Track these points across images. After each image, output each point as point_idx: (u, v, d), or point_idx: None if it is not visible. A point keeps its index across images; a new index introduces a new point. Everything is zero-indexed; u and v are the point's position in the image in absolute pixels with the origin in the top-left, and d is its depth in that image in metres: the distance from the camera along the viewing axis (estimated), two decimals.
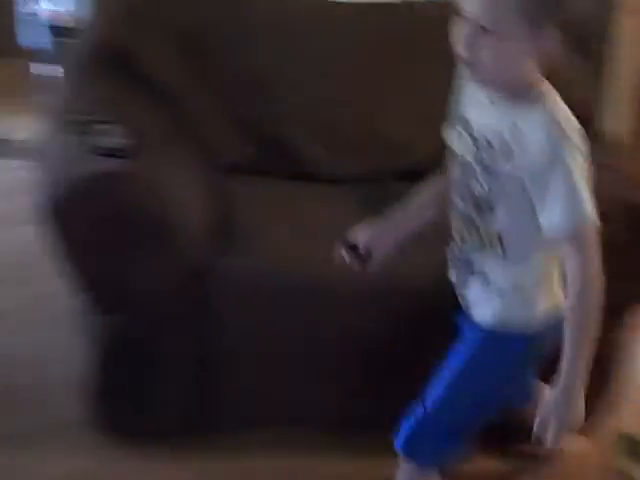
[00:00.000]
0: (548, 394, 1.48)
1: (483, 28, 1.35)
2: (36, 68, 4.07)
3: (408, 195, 1.68)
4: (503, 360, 1.57)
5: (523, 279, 1.51)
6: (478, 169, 1.48)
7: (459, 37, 1.38)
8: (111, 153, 1.77)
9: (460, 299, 1.61)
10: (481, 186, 1.48)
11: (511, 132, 1.41)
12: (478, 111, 1.49)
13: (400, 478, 1.64)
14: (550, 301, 1.52)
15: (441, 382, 1.57)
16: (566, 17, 1.37)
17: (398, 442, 1.58)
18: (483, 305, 1.55)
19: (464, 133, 1.52)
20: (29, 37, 4.08)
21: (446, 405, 1.56)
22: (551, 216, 1.39)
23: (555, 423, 1.43)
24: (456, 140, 1.54)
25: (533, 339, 1.54)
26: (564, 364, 1.41)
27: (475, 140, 1.49)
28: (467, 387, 1.56)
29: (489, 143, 1.45)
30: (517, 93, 1.42)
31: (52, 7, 4.01)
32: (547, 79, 1.44)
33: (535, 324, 1.52)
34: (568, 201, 1.37)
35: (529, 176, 1.41)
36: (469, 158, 1.50)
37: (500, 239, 1.49)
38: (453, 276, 1.62)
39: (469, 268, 1.55)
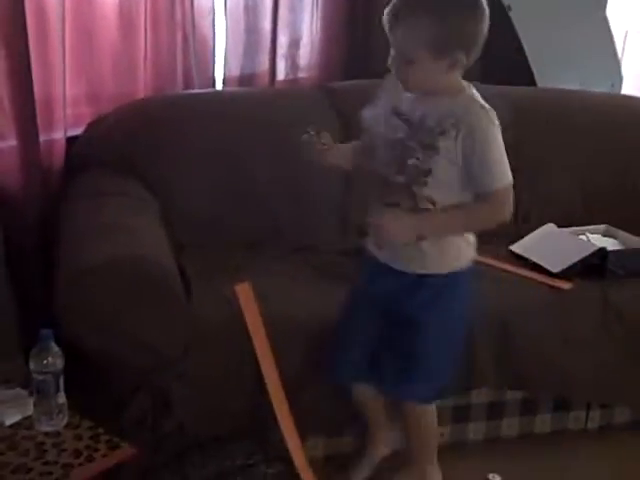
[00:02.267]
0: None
1: (404, 57, 1.85)
2: None
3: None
4: (460, 297, 2.07)
5: None
6: (417, 147, 1.92)
7: (391, 62, 1.89)
8: None
9: (397, 263, 2.02)
10: (418, 159, 1.92)
11: (446, 114, 1.87)
12: (411, 102, 1.94)
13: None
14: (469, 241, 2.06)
15: (428, 334, 2.00)
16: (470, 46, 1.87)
17: (409, 395, 2.05)
18: (426, 258, 1.99)
19: (395, 119, 1.96)
20: None
21: (439, 351, 2.03)
22: (482, 177, 1.89)
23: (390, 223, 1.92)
24: (383, 124, 1.98)
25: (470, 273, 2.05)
26: (446, 211, 1.93)
27: (410, 124, 1.94)
28: (448, 330, 2.05)
29: (426, 125, 1.90)
30: (442, 92, 1.91)
31: None
32: None
33: (466, 263, 2.04)
34: (495, 165, 1.89)
35: (461, 147, 1.86)
36: (402, 137, 1.94)
37: (432, 201, 1.93)
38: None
39: None
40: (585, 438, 2.63)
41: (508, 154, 2.81)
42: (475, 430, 2.52)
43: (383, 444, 2.33)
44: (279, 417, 2.16)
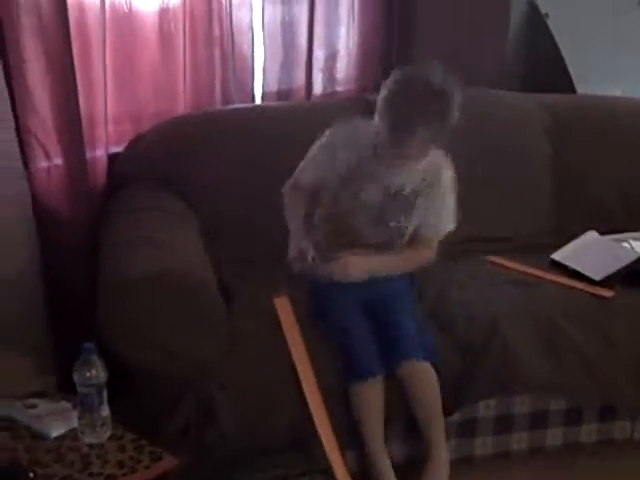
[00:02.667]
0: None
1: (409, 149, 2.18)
2: None
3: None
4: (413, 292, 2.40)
5: None
6: (397, 210, 2.29)
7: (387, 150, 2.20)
8: None
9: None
10: (399, 222, 2.31)
11: (422, 177, 2.27)
12: (386, 169, 2.24)
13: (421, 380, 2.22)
14: None
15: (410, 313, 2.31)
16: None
17: (416, 354, 2.21)
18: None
19: (372, 185, 2.26)
20: None
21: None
22: (445, 223, 2.33)
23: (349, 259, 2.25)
24: (369, 194, 2.27)
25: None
26: (386, 257, 2.30)
27: (389, 189, 2.27)
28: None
29: (405, 190, 2.27)
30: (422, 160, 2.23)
31: None
32: None
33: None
34: (450, 212, 2.35)
35: (431, 200, 2.28)
36: (380, 202, 2.27)
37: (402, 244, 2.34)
38: None
39: None
40: (631, 448, 2.60)
41: (549, 164, 2.84)
42: (518, 440, 2.50)
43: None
44: (319, 429, 2.16)
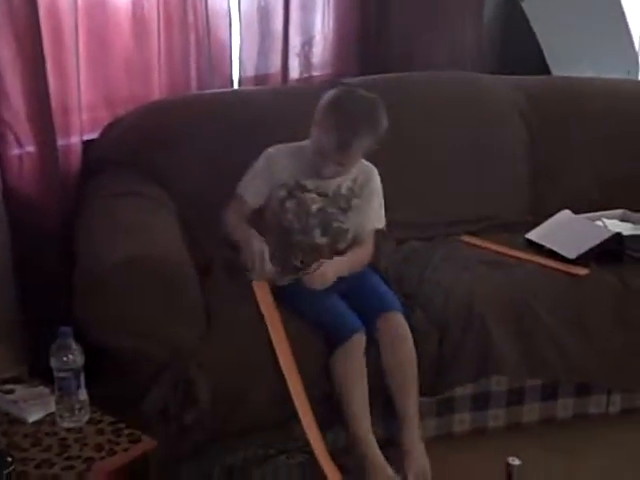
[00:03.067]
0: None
1: (343, 162, 2.40)
2: None
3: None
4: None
5: None
6: (337, 212, 2.47)
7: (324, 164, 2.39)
8: None
9: None
10: (341, 222, 2.48)
11: (354, 181, 2.49)
12: (327, 181, 2.44)
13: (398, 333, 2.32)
14: None
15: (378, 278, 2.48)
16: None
17: (393, 306, 2.35)
18: None
19: (308, 194, 2.44)
20: None
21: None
22: (374, 221, 2.53)
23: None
24: (313, 201, 2.44)
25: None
26: (346, 258, 2.46)
27: (326, 195, 2.46)
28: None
29: (342, 193, 2.47)
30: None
31: None
32: None
33: None
34: (380, 211, 2.55)
35: (365, 202, 2.50)
36: (323, 207, 2.45)
37: (344, 251, 2.49)
38: None
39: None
40: (607, 422, 2.63)
41: (524, 144, 2.88)
42: (495, 417, 2.53)
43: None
44: (298, 408, 2.18)
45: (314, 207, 2.47)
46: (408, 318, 2.37)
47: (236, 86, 3.11)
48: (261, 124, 2.74)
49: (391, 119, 2.71)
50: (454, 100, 3.07)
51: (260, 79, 3.18)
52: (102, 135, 2.71)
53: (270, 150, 2.49)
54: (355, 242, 2.52)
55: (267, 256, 2.32)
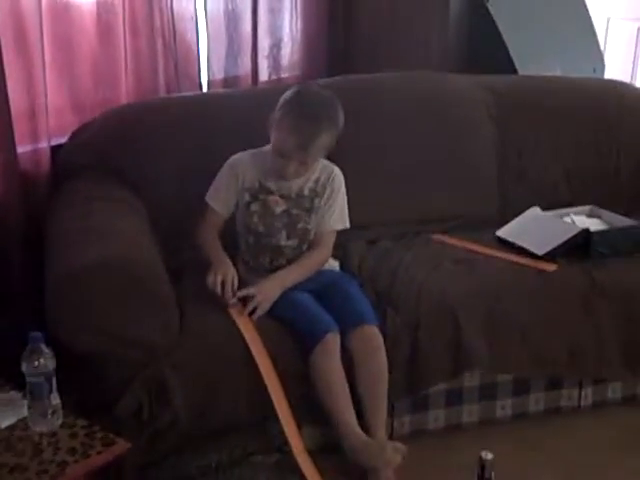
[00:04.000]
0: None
1: (303, 161, 2.41)
2: None
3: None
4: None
5: None
6: (301, 213, 2.48)
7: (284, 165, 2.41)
8: None
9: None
10: (306, 222, 2.49)
11: (316, 182, 2.50)
12: (283, 181, 2.46)
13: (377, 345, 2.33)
14: None
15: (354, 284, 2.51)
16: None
17: (368, 318, 2.36)
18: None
19: (271, 196, 2.47)
20: None
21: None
22: (336, 222, 2.53)
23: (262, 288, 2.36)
24: (277, 203, 2.47)
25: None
26: (293, 267, 2.46)
27: (289, 197, 2.48)
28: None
29: (304, 194, 2.49)
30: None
31: None
32: None
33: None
34: (344, 214, 2.56)
35: (326, 202, 2.50)
36: (287, 209, 2.47)
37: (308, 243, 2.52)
38: None
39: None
40: (579, 415, 2.66)
41: (493, 142, 2.93)
42: (469, 412, 2.55)
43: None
44: (276, 405, 2.19)
45: (278, 209, 2.49)
46: (382, 324, 2.38)
47: (205, 89, 3.12)
48: (231, 127, 2.74)
49: (359, 119, 2.74)
50: (422, 99, 3.09)
51: (229, 82, 3.19)
52: (70, 140, 2.70)
53: (233, 157, 2.52)
54: (314, 243, 2.53)
55: (234, 282, 2.33)
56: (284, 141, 2.37)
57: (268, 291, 2.36)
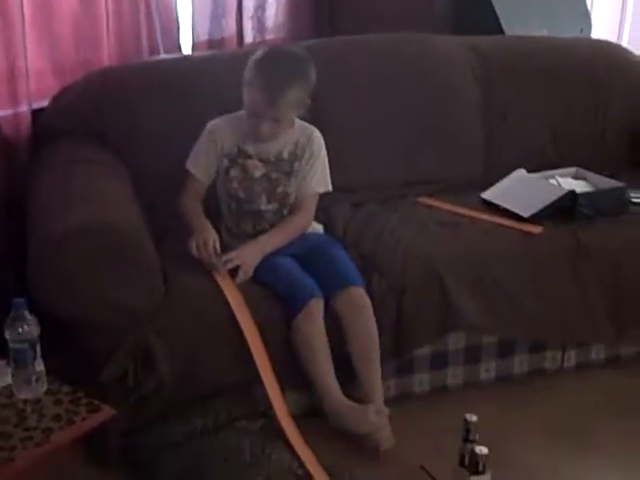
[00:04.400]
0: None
1: (275, 118, 2.39)
2: None
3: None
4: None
5: None
6: (281, 176, 2.46)
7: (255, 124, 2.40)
8: None
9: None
10: (285, 185, 2.47)
11: (295, 144, 2.48)
12: (261, 143, 2.44)
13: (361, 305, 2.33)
14: None
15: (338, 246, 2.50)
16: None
17: (354, 280, 2.36)
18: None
19: (250, 160, 2.46)
20: None
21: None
22: (317, 185, 2.51)
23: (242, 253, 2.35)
24: (256, 167, 2.45)
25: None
26: (273, 232, 2.45)
27: (267, 161, 2.46)
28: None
29: (283, 157, 2.47)
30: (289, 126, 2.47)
31: None
32: None
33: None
34: (326, 176, 2.53)
35: (306, 165, 2.48)
36: (266, 173, 2.46)
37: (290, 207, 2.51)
38: None
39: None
40: (562, 377, 2.68)
41: (478, 104, 2.90)
42: (454, 375, 2.56)
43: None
44: (259, 368, 2.19)
45: (257, 173, 2.47)
46: (368, 286, 2.38)
47: (189, 51, 3.07)
48: (215, 90, 2.69)
49: (344, 81, 2.71)
50: (407, 61, 3.05)
51: (214, 44, 3.15)
52: (52, 103, 2.67)
53: (211, 123, 2.50)
54: (295, 207, 2.51)
55: (216, 246, 2.32)
56: (254, 99, 2.36)
57: (248, 256, 2.36)
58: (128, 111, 2.65)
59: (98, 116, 2.63)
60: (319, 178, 2.53)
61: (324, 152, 2.54)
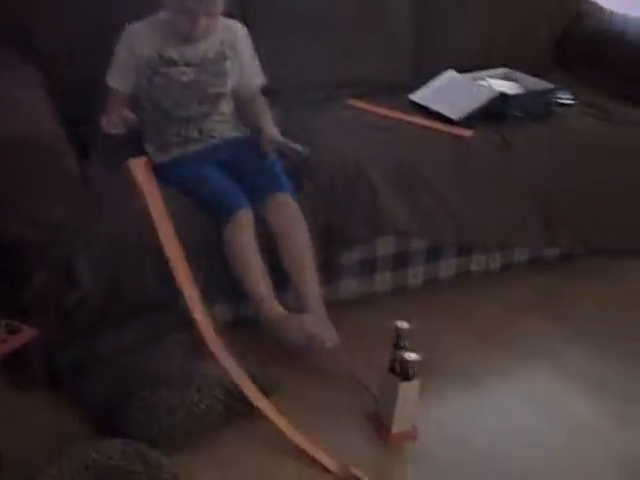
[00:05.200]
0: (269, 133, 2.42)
1: (210, 14, 2.29)
2: None
3: None
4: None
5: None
6: (211, 78, 2.39)
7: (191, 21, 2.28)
8: None
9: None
10: (216, 86, 2.40)
11: (221, 43, 2.40)
12: (182, 46, 2.35)
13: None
14: None
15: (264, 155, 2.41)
16: None
17: (281, 187, 2.34)
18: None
19: (173, 67, 2.35)
20: None
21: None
22: (255, 79, 2.49)
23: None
24: (181, 72, 2.35)
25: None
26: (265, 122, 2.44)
27: (193, 64, 2.36)
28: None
29: (209, 58, 2.38)
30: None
31: None
32: None
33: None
34: (258, 68, 2.49)
35: (238, 62, 2.43)
36: (195, 77, 2.36)
37: (225, 115, 2.47)
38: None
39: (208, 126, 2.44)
40: (488, 278, 2.73)
41: (407, 4, 2.77)
42: (382, 281, 2.57)
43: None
44: (181, 284, 2.16)
45: (185, 79, 2.37)
46: (298, 191, 2.36)
47: None
48: None
49: None
50: None
51: None
52: None
53: (127, 28, 2.36)
54: (250, 101, 2.49)
55: (132, 116, 2.25)
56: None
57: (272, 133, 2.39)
58: (47, 17, 2.50)
59: (15, 21, 2.46)
60: (254, 69, 2.50)
61: (251, 43, 2.47)
